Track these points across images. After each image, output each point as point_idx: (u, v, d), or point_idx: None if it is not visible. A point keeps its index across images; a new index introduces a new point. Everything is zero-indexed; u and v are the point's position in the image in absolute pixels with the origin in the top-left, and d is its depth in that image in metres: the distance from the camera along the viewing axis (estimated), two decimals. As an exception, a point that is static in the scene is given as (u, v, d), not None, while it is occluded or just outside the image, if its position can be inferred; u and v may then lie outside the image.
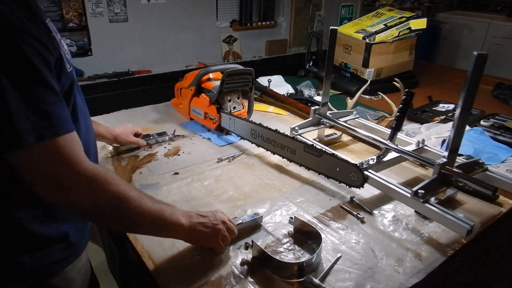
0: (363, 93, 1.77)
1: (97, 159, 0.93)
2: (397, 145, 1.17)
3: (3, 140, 0.61)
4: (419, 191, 0.94)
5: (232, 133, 1.45)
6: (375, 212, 1.04)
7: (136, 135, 1.36)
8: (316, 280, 0.78)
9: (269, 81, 2.01)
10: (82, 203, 0.68)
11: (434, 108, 1.88)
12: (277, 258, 0.84)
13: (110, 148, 1.34)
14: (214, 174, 1.22)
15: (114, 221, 0.74)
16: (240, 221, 0.94)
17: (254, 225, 0.97)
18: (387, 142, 1.19)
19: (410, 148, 1.20)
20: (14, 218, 0.72)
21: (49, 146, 0.63)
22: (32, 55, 0.61)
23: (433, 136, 1.46)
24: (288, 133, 1.28)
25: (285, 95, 1.99)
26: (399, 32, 2.12)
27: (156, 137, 1.42)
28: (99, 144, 1.24)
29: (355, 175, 1.06)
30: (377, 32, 2.10)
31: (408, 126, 1.62)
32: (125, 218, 0.73)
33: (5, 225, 0.72)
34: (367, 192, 1.12)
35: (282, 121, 1.66)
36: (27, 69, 0.61)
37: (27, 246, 0.75)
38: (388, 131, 1.25)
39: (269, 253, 0.83)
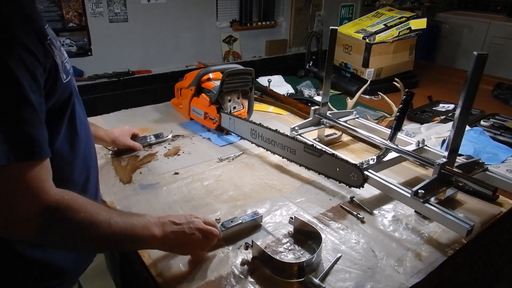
0: (363, 93, 1.77)
1: (97, 174, 0.91)
2: (397, 145, 1.18)
3: None
4: (419, 191, 0.94)
5: (232, 133, 1.45)
6: (375, 212, 1.04)
7: (133, 136, 1.35)
8: (316, 280, 0.78)
9: (269, 81, 2.01)
10: (48, 235, 0.63)
11: (434, 108, 1.88)
12: (277, 258, 0.84)
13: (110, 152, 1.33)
14: (214, 174, 1.22)
15: (85, 246, 0.72)
16: (240, 221, 0.94)
17: (254, 225, 0.97)
18: (387, 142, 1.19)
19: (410, 148, 1.20)
20: (14, 247, 0.70)
21: (12, 172, 0.57)
22: (15, 65, 0.56)
23: (433, 136, 1.46)
24: (288, 133, 1.28)
25: (285, 95, 1.99)
26: (399, 32, 2.12)
27: (154, 139, 1.40)
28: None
29: (355, 175, 1.06)
30: (377, 32, 2.10)
31: (408, 126, 1.62)
32: (96, 242, 0.70)
33: (4, 255, 0.70)
34: (367, 192, 1.12)
35: (282, 121, 1.66)
36: (6, 80, 0.55)
37: (29, 275, 0.74)
38: (388, 131, 1.25)
39: (269, 253, 0.83)
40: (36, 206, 0.59)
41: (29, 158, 0.58)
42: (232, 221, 0.94)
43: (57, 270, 0.78)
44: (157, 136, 1.42)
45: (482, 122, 1.64)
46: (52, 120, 0.66)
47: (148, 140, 1.39)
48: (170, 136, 1.44)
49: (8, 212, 0.58)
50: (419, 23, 2.17)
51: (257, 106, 1.78)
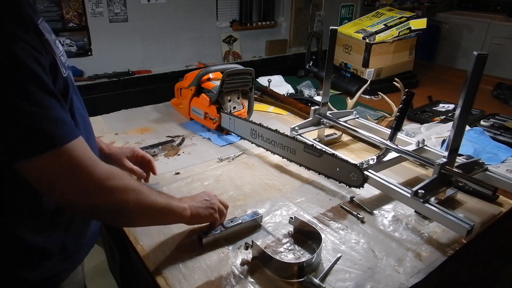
0: (363, 93, 1.77)
1: None
2: (397, 145, 1.18)
3: (10, 150, 0.59)
4: (419, 191, 0.94)
5: (232, 133, 1.45)
6: (375, 212, 1.04)
7: (137, 158, 1.09)
8: (316, 280, 0.78)
9: (269, 81, 2.01)
10: (107, 205, 0.69)
11: (434, 108, 1.88)
12: (277, 258, 0.84)
13: None
14: (214, 174, 1.22)
15: (131, 218, 0.76)
16: (240, 221, 0.94)
17: (254, 225, 0.97)
18: (387, 142, 1.19)
19: (410, 148, 1.20)
20: (13, 232, 0.71)
21: (61, 154, 0.62)
22: (28, 61, 0.59)
23: (433, 136, 1.46)
24: (288, 133, 1.28)
25: (285, 95, 1.99)
26: (399, 32, 2.12)
27: (155, 148, 1.34)
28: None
29: (355, 175, 1.06)
30: (377, 32, 2.10)
31: (408, 126, 1.62)
32: (141, 213, 0.75)
33: (4, 240, 0.71)
34: (367, 192, 1.12)
35: (282, 121, 1.66)
36: (28, 76, 0.59)
37: (28, 259, 0.74)
38: (388, 131, 1.25)
39: (269, 253, 0.83)
40: (96, 178, 0.65)
41: (71, 139, 0.63)
42: (232, 221, 0.94)
43: (58, 251, 0.78)
44: (153, 146, 1.34)
45: (482, 122, 1.64)
46: None
47: (154, 151, 1.32)
48: (178, 139, 1.40)
49: (75, 189, 0.65)
50: (419, 23, 2.17)
51: (257, 106, 1.78)
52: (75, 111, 0.74)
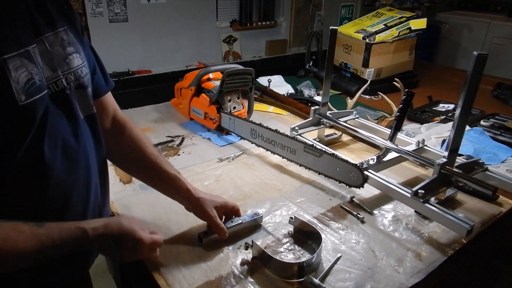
0: (363, 93, 1.77)
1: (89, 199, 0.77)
2: (397, 145, 1.18)
3: None
4: (419, 191, 0.94)
5: (232, 133, 1.45)
6: (375, 212, 1.04)
7: (226, 210, 0.94)
8: (316, 280, 0.78)
9: (269, 81, 2.01)
10: None
11: (434, 108, 1.88)
12: (277, 258, 0.84)
13: None
14: (214, 174, 1.22)
15: (5, 263, 0.63)
16: (240, 221, 0.94)
17: (254, 225, 0.97)
18: (387, 142, 1.19)
19: (410, 148, 1.20)
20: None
21: None
22: None
23: (433, 136, 1.46)
24: (288, 133, 1.28)
25: (285, 95, 1.99)
26: (399, 32, 2.12)
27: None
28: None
29: (355, 175, 1.06)
30: (377, 32, 2.10)
31: (408, 126, 1.62)
32: (10, 258, 0.62)
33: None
34: (367, 192, 1.12)
35: (282, 121, 1.66)
36: None
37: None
38: (388, 131, 1.25)
39: (269, 253, 0.83)
40: None
41: None
42: (232, 221, 0.94)
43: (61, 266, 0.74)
44: (164, 143, 1.22)
45: (482, 122, 1.64)
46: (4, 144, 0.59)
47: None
48: (177, 143, 1.34)
49: None
50: (419, 23, 2.17)
51: (257, 106, 1.78)
52: (45, 140, 0.64)
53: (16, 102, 0.58)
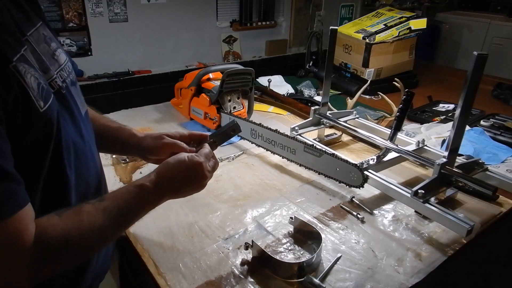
0: (363, 93, 1.77)
1: (101, 189, 0.78)
2: (397, 145, 1.18)
3: None
4: (419, 191, 0.94)
5: (232, 133, 1.44)
6: (375, 212, 1.04)
7: (193, 138, 0.93)
8: (316, 280, 0.78)
9: (269, 81, 2.01)
10: (47, 273, 0.57)
11: (434, 108, 1.88)
12: (277, 258, 0.84)
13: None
14: (214, 174, 1.21)
15: (91, 252, 0.66)
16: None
17: (232, 131, 0.90)
18: (387, 142, 1.19)
19: (410, 148, 1.20)
20: None
21: None
22: None
23: (433, 136, 1.46)
24: (288, 133, 1.28)
25: (285, 95, 1.99)
26: (399, 32, 2.12)
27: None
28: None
29: (355, 175, 1.06)
30: (377, 32, 2.10)
31: (408, 126, 1.62)
32: (96, 242, 0.63)
33: None
34: (367, 192, 1.12)
35: (282, 121, 1.66)
36: None
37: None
38: (388, 131, 1.25)
39: (269, 253, 0.83)
40: (21, 256, 0.53)
41: (10, 213, 0.51)
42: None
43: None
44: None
45: (482, 122, 1.64)
46: (30, 158, 0.56)
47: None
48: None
49: (4, 272, 0.52)
50: (419, 23, 2.17)
51: (257, 106, 1.78)
52: (63, 148, 0.61)
53: (38, 109, 0.54)
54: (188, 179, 0.74)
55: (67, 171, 0.63)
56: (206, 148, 0.79)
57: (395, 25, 2.13)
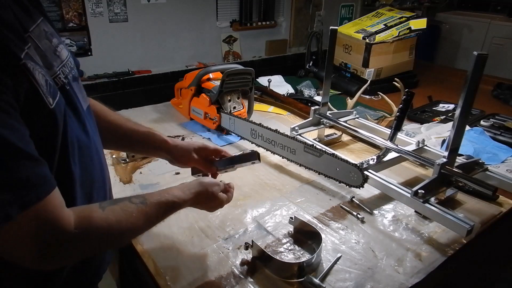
0: (363, 93, 1.77)
1: (106, 193, 0.79)
2: (397, 145, 1.17)
3: None
4: (419, 191, 0.94)
5: (232, 133, 1.45)
6: (375, 212, 1.04)
7: (208, 153, 0.97)
8: (316, 280, 0.78)
9: (269, 81, 2.01)
10: (84, 251, 0.61)
11: (434, 108, 1.88)
12: (277, 258, 0.84)
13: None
14: (214, 174, 1.22)
15: (122, 241, 0.72)
16: (231, 159, 0.97)
17: (251, 162, 0.96)
18: (387, 142, 1.19)
19: (410, 148, 1.20)
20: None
21: (31, 214, 0.51)
22: None
23: (433, 136, 1.46)
24: (288, 133, 1.28)
25: (285, 95, 1.99)
26: (399, 32, 2.12)
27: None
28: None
29: (355, 175, 1.06)
30: (377, 32, 2.10)
31: (408, 126, 1.62)
32: (126, 235, 0.68)
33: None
34: (367, 192, 1.12)
35: (282, 121, 1.66)
36: None
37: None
38: (388, 131, 1.25)
39: (269, 253, 0.83)
40: (62, 237, 0.55)
41: (35, 200, 0.52)
42: (221, 160, 0.96)
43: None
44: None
45: (482, 122, 1.64)
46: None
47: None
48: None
49: (41, 251, 0.54)
50: (419, 23, 2.17)
51: (257, 106, 1.78)
52: (69, 146, 0.62)
53: (48, 106, 0.55)
54: (207, 205, 0.85)
55: (72, 167, 0.64)
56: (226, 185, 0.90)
57: (395, 25, 2.13)
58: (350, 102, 1.63)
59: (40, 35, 0.61)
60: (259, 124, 1.28)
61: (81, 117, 0.68)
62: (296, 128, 1.36)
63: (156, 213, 0.71)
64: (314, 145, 1.17)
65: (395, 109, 1.56)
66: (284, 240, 0.93)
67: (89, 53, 2.36)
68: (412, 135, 1.49)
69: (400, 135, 1.25)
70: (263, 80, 2.18)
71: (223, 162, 0.97)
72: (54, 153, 0.59)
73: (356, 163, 1.06)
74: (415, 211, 1.03)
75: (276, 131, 1.23)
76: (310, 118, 1.41)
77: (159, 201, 0.72)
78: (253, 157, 0.94)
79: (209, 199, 0.83)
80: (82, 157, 0.67)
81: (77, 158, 0.65)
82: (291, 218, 0.96)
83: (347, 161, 1.07)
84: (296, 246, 0.91)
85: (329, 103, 1.45)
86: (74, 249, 0.58)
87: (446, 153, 0.99)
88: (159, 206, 0.71)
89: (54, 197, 0.55)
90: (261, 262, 0.85)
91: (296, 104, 1.76)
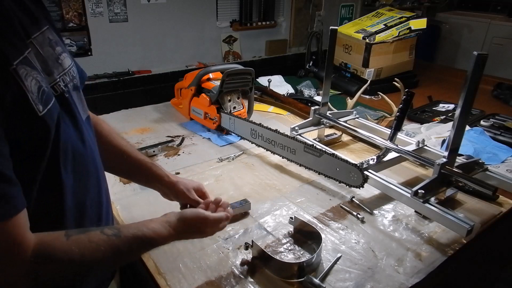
0: (363, 93, 1.77)
1: (101, 200, 0.77)
2: (397, 145, 1.17)
3: None
4: (419, 191, 0.94)
5: (232, 133, 1.45)
6: (375, 212, 1.04)
7: (199, 194, 0.95)
8: (316, 280, 0.78)
9: (269, 81, 2.01)
10: (33, 284, 0.56)
11: (434, 108, 1.88)
12: (277, 258, 0.84)
13: None
14: (214, 174, 1.22)
15: (85, 274, 0.64)
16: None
17: (244, 212, 1.02)
18: (387, 142, 1.19)
19: (410, 148, 1.20)
20: None
21: None
22: None
23: (433, 136, 1.46)
24: (288, 133, 1.28)
25: (285, 95, 1.99)
26: (399, 32, 2.12)
27: (154, 148, 1.31)
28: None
29: (355, 175, 1.06)
30: (377, 32, 2.10)
31: (408, 126, 1.62)
32: (90, 269, 0.63)
33: None
34: (367, 192, 1.12)
35: (282, 121, 1.66)
36: None
37: None
38: (388, 131, 1.25)
39: (269, 253, 0.83)
40: (15, 263, 0.53)
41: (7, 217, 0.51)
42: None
43: None
44: (152, 146, 1.27)
45: (482, 122, 1.64)
46: (24, 166, 0.56)
47: (153, 151, 1.24)
48: (177, 143, 1.32)
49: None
50: (419, 23, 2.17)
51: (257, 106, 1.78)
52: (60, 151, 0.61)
53: (36, 113, 0.55)
54: (199, 234, 0.79)
55: (63, 175, 0.62)
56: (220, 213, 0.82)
57: (395, 25, 2.13)
58: (350, 102, 1.63)
59: (44, 42, 0.62)
60: (259, 124, 1.28)
61: (79, 126, 0.67)
62: (296, 128, 1.36)
63: (129, 248, 0.64)
64: (314, 145, 1.17)
65: (395, 109, 1.56)
66: (284, 240, 0.93)
67: (89, 53, 2.36)
68: (412, 135, 1.49)
69: (400, 135, 1.25)
70: (263, 80, 2.18)
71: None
72: (42, 159, 0.58)
73: (356, 163, 1.06)
74: (415, 211, 1.03)
75: (276, 131, 1.23)
76: (310, 118, 1.41)
77: (135, 235, 0.66)
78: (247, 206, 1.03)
79: (197, 227, 0.76)
80: (77, 165, 0.66)
81: (70, 166, 0.64)
82: (291, 218, 0.96)
83: (347, 161, 1.07)
84: (296, 246, 0.91)
85: (329, 103, 1.45)
86: (25, 277, 0.54)
87: (446, 153, 0.99)
88: (134, 241, 0.65)
89: (18, 219, 0.53)
90: (261, 262, 0.85)
91: (296, 104, 1.76)
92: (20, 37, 0.56)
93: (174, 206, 1.04)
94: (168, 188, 0.92)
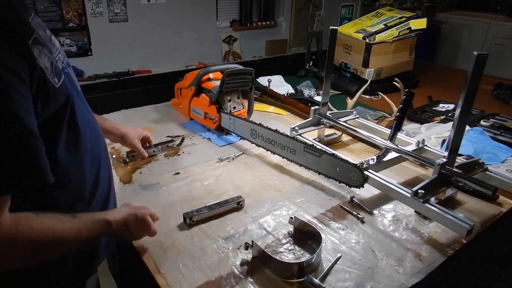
0: (363, 93, 1.77)
1: (109, 166, 0.87)
2: (397, 145, 1.18)
3: None
4: (419, 191, 0.94)
5: (232, 133, 1.45)
6: (375, 212, 1.04)
7: (144, 140, 1.28)
8: (316, 280, 0.78)
9: (269, 81, 2.01)
10: (10, 262, 0.62)
11: (434, 108, 1.88)
12: (277, 258, 0.84)
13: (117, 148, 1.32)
14: (214, 174, 1.22)
15: (45, 258, 0.68)
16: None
17: (237, 207, 1.04)
18: (387, 142, 1.19)
19: (410, 148, 1.20)
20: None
21: None
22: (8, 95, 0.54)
23: (433, 136, 1.46)
24: (288, 133, 1.28)
25: (285, 95, 1.99)
26: (399, 32, 2.12)
27: (154, 148, 1.33)
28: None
29: (355, 175, 1.06)
30: (377, 32, 2.10)
31: (408, 126, 1.62)
32: (59, 242, 0.67)
33: None
34: (367, 192, 1.12)
35: (282, 121, 1.66)
36: None
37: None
38: (388, 131, 1.25)
39: (269, 253, 0.83)
40: None
41: None
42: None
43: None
44: (157, 145, 1.33)
45: (482, 122, 1.64)
46: (49, 129, 0.64)
47: (153, 151, 1.31)
48: (177, 143, 1.40)
49: None
50: (419, 23, 2.17)
51: (257, 106, 1.78)
52: (77, 120, 0.70)
53: (54, 86, 0.63)
54: (137, 228, 0.84)
55: (82, 134, 0.72)
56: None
57: (395, 25, 2.13)
58: (350, 102, 1.63)
59: (37, 26, 0.67)
60: (259, 124, 1.28)
61: (82, 98, 0.77)
62: (296, 128, 1.36)
63: (87, 228, 0.70)
64: (314, 145, 1.17)
65: (395, 109, 1.56)
66: (284, 240, 0.93)
67: (89, 53, 2.36)
68: (412, 135, 1.49)
69: (400, 135, 1.25)
70: (263, 80, 2.18)
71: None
72: (62, 127, 0.67)
73: (356, 163, 1.06)
74: (415, 211, 1.03)
75: (276, 131, 1.23)
76: (310, 118, 1.41)
77: (89, 215, 0.73)
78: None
79: (138, 221, 0.82)
80: (91, 131, 0.76)
81: (86, 134, 0.74)
82: (291, 218, 0.96)
83: (347, 161, 1.07)
84: (296, 246, 0.91)
85: (329, 103, 1.45)
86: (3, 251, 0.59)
87: (446, 153, 0.99)
88: (88, 221, 0.71)
89: (5, 199, 0.58)
90: (261, 262, 0.85)
91: (296, 104, 1.76)
92: (27, 20, 0.62)
93: (174, 206, 1.04)
94: (120, 138, 1.15)
